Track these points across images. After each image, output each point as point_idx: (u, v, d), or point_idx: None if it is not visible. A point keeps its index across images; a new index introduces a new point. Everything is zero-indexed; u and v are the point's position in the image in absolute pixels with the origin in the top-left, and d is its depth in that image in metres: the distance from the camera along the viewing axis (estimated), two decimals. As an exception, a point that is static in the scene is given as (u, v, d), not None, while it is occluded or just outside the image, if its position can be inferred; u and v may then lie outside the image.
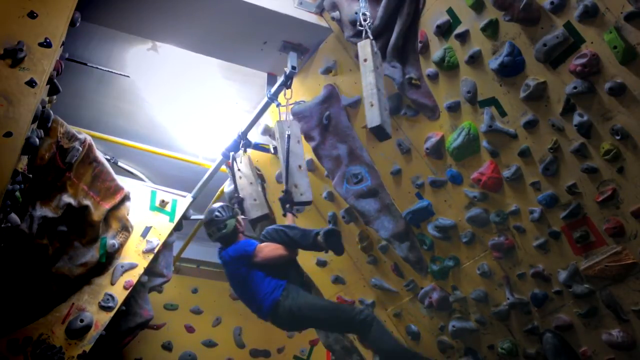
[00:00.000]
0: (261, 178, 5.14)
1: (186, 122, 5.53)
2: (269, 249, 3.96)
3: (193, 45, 4.32)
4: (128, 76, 4.91)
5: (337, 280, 5.24)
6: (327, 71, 4.30)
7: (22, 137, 3.26)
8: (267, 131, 5.01)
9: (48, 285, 4.58)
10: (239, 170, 4.73)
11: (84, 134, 4.41)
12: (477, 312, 4.42)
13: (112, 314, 4.88)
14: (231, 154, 4.74)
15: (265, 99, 4.45)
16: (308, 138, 4.38)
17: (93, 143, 4.53)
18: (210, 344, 6.56)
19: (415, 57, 3.80)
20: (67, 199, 4.39)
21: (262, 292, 3.92)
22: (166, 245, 5.47)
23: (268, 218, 4.63)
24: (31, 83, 3.12)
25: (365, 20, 3.37)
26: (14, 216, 3.86)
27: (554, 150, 3.44)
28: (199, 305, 6.69)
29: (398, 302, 4.88)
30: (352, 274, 5.12)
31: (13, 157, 3.32)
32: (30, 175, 3.84)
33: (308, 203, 4.31)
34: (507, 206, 3.85)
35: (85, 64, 4.69)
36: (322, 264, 5.20)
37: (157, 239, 5.27)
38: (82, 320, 4.70)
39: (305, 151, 4.41)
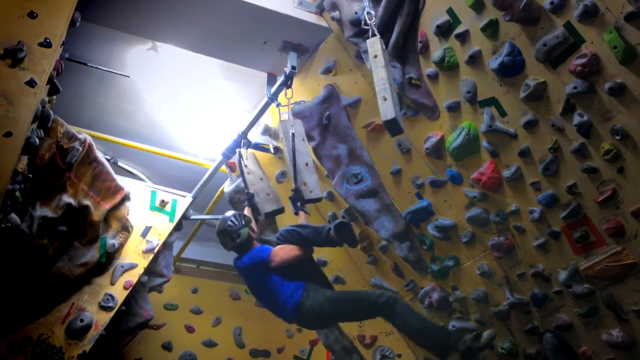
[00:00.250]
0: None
1: (186, 122, 5.53)
2: (283, 252, 3.92)
3: (193, 45, 4.33)
4: (128, 76, 4.91)
5: (337, 280, 5.24)
6: (327, 71, 4.30)
7: (22, 137, 3.26)
8: (267, 131, 5.00)
9: (48, 285, 4.58)
10: (245, 166, 4.72)
11: (84, 134, 4.41)
12: (477, 312, 4.42)
13: (112, 314, 4.87)
14: (237, 150, 4.74)
15: (265, 99, 4.45)
16: (308, 138, 4.37)
17: (93, 143, 4.53)
18: (210, 344, 6.55)
19: (415, 57, 3.80)
20: (67, 199, 4.38)
21: (283, 296, 3.89)
22: (166, 245, 5.47)
23: (283, 212, 4.59)
24: (31, 83, 3.11)
25: (370, 19, 3.38)
26: (14, 216, 3.86)
27: (554, 150, 3.44)
28: (199, 305, 6.68)
29: (398, 302, 4.89)
30: (352, 273, 5.12)
31: (13, 157, 3.32)
32: (30, 175, 3.84)
33: (318, 200, 4.28)
34: (507, 206, 3.85)
35: (85, 64, 4.69)
36: (322, 264, 5.20)
37: (157, 239, 5.26)
38: (82, 320, 4.69)
39: (307, 150, 4.42)
